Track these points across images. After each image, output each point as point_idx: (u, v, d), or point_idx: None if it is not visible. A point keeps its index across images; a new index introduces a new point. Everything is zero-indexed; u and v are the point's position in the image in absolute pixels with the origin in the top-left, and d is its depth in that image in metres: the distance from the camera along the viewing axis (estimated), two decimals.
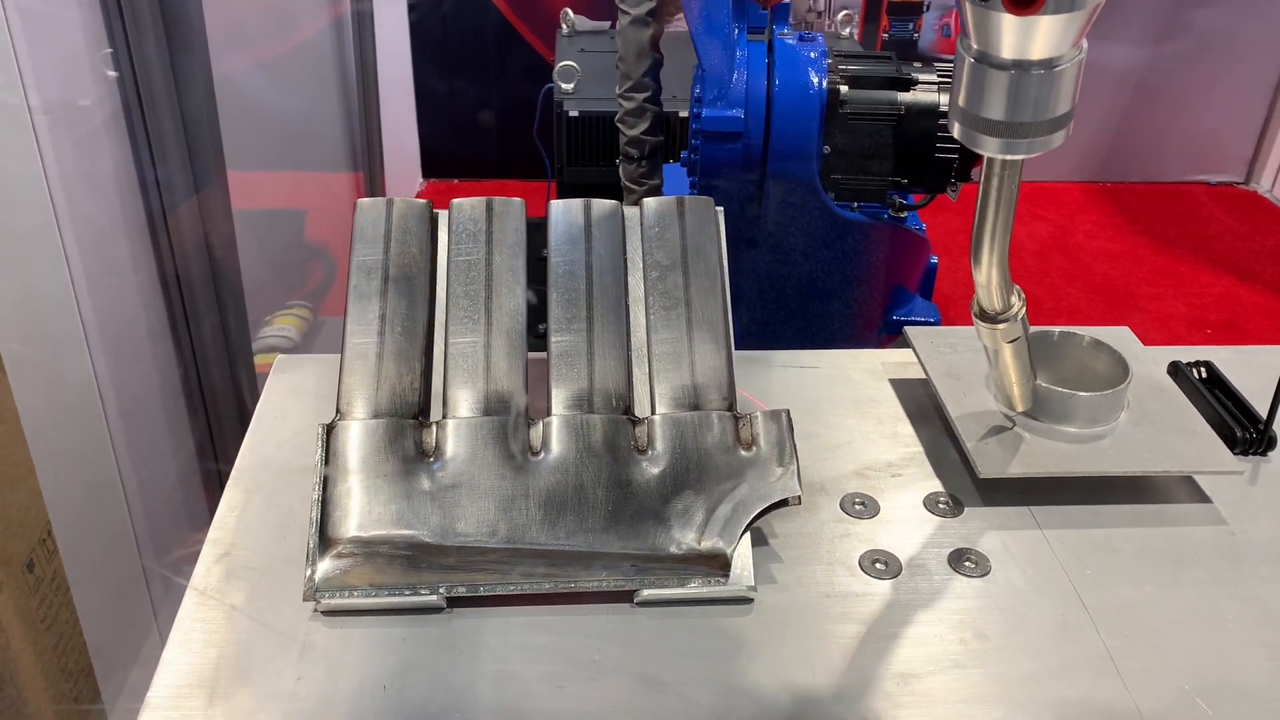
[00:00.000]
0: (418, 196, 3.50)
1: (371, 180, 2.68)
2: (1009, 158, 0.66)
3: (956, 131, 0.66)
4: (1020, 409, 0.85)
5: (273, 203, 2.25)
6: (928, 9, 2.93)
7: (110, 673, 1.46)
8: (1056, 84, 0.61)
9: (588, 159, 2.28)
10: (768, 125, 1.29)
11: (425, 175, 3.32)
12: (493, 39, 3.12)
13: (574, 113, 2.23)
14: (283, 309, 2.20)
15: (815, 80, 1.29)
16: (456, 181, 3.33)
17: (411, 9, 3.03)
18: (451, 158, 3.29)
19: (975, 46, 0.62)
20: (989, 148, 0.65)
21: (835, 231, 1.38)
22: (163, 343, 1.54)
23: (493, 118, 3.22)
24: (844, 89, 1.31)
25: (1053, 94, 0.62)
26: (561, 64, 2.26)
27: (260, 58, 2.08)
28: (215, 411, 1.61)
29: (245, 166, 1.91)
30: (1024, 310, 0.78)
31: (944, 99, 1.31)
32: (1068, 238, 3.18)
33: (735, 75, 1.27)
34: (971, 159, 1.34)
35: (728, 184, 1.32)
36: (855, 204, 1.51)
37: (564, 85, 2.25)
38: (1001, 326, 0.77)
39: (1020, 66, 0.61)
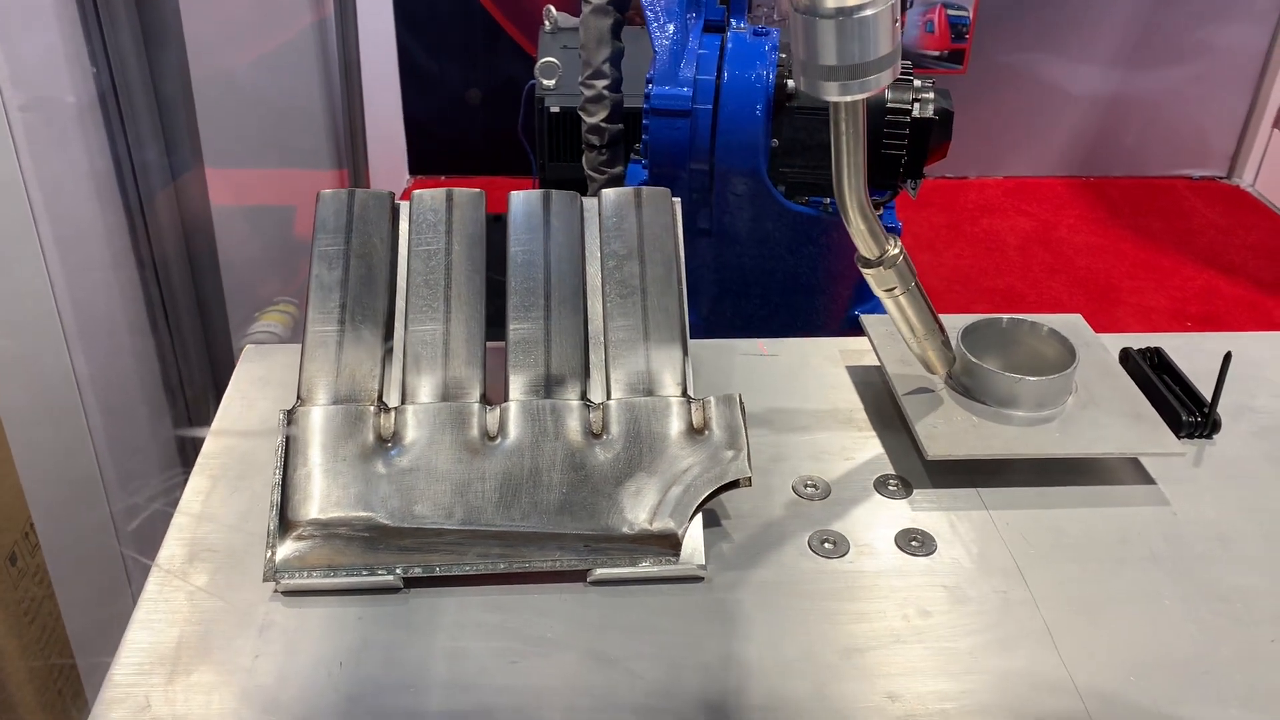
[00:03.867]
0: (404, 194, 3.50)
1: (356, 177, 2.69)
2: (849, 99, 0.72)
3: (801, 84, 0.73)
4: (938, 372, 0.88)
5: (258, 199, 2.26)
6: (910, 5, 2.95)
7: (94, 666, 1.47)
8: (875, 26, 0.69)
9: (570, 155, 2.30)
10: (715, 116, 1.31)
11: (412, 172, 3.34)
12: (478, 35, 3.13)
13: (555, 109, 2.25)
14: (270, 305, 2.21)
15: (763, 73, 1.30)
16: (444, 178, 3.35)
17: (396, 5, 3.05)
18: (438, 154, 3.31)
19: (803, 1, 0.69)
20: (830, 92, 0.71)
21: (786, 225, 1.40)
22: (143, 338, 1.55)
23: (479, 114, 3.23)
24: (792, 83, 1.33)
25: (874, 35, 0.69)
26: (543, 60, 2.27)
27: (243, 54, 2.10)
28: (195, 406, 1.63)
29: (229, 163, 1.92)
30: (902, 258, 0.81)
31: (892, 95, 1.32)
32: (1050, 232, 3.20)
33: (684, 62, 1.29)
34: (922, 155, 1.35)
35: (678, 170, 1.33)
36: (827, 200, 1.52)
37: (545, 81, 2.26)
38: (873, 272, 0.82)
39: (842, 13, 0.68)
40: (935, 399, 0.88)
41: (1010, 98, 3.36)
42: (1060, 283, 2.95)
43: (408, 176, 3.32)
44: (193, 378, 1.61)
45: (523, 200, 0.88)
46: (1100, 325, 1.00)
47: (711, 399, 0.80)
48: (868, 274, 0.82)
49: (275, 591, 0.73)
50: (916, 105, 1.36)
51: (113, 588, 1.54)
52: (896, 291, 0.83)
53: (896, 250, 0.81)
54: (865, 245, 0.81)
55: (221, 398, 0.91)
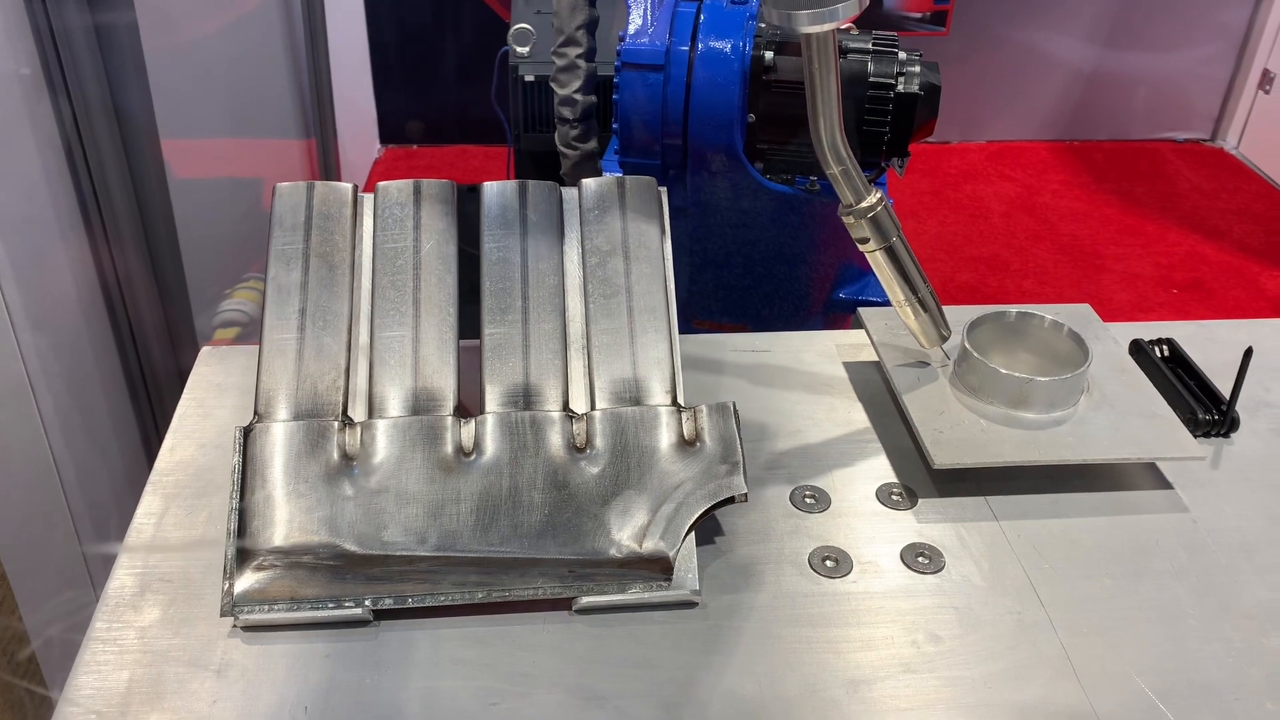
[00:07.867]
0: (376, 163, 3.38)
1: (324, 147, 2.60)
2: (819, 29, 0.70)
3: (774, 18, 0.71)
4: (926, 345, 0.85)
5: (222, 171, 2.18)
6: None
7: (55, 660, 1.42)
8: None
9: (546, 125, 2.22)
10: (688, 88, 1.23)
11: (383, 141, 3.24)
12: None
13: (529, 77, 2.16)
14: (241, 282, 2.13)
15: (739, 43, 1.23)
16: (416, 147, 3.25)
17: None
18: (410, 123, 3.21)
19: None
20: (800, 23, 0.70)
21: (763, 203, 1.33)
22: (99, 325, 1.48)
23: (452, 83, 3.14)
24: (769, 55, 1.25)
25: None
26: (516, 26, 2.18)
27: (203, 19, 2.00)
28: (158, 395, 1.56)
29: (190, 134, 1.84)
30: (882, 209, 0.79)
31: (875, 68, 1.25)
32: (1034, 197, 3.15)
33: (655, 28, 1.22)
34: (906, 133, 1.28)
35: (652, 135, 1.25)
36: (813, 178, 1.45)
37: (519, 49, 2.18)
38: (850, 220, 0.79)
39: None
40: (940, 399, 0.83)
41: (993, 60, 3.29)
42: (1045, 249, 2.90)
43: (379, 146, 3.23)
44: (154, 365, 1.54)
45: (497, 192, 0.81)
46: (1086, 294, 0.95)
47: (704, 408, 0.74)
48: (846, 222, 0.80)
49: (234, 627, 0.67)
50: (901, 80, 1.29)
51: (74, 584, 1.48)
52: (875, 245, 0.80)
53: (875, 199, 0.78)
54: (841, 190, 0.78)
55: (185, 384, 0.86)
